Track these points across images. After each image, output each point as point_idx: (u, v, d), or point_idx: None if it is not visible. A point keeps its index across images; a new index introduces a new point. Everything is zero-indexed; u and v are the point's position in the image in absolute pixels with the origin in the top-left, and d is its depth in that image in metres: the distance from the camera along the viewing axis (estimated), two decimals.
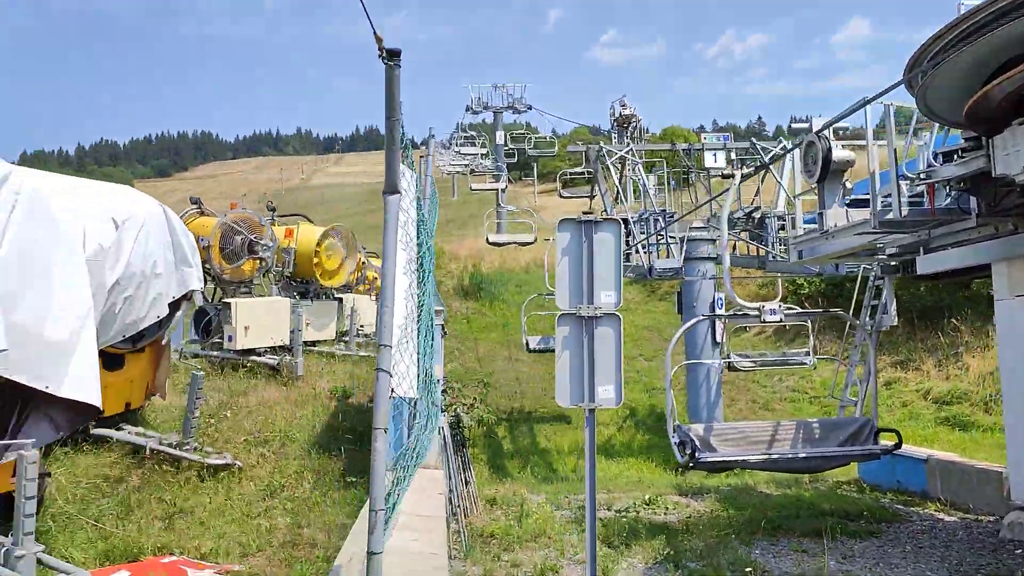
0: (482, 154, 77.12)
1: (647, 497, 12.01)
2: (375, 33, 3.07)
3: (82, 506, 7.44)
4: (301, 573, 5.88)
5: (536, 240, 26.45)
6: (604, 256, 5.85)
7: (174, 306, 8.88)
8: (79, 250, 6.25)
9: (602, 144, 23.47)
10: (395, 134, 3.69)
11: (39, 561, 5.13)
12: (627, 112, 56.90)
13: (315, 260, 16.08)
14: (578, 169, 29.06)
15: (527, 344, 20.72)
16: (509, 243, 26.78)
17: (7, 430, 5.73)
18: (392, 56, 3.30)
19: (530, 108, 77.73)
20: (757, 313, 10.09)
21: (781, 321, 10.12)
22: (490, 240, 25.56)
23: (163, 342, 9.16)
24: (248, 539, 6.72)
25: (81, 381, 5.84)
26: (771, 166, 16.78)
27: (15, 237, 5.45)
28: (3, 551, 5.08)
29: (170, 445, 8.56)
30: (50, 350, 5.60)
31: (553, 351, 21.47)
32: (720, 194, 18.31)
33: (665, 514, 11.28)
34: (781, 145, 19.89)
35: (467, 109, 79.32)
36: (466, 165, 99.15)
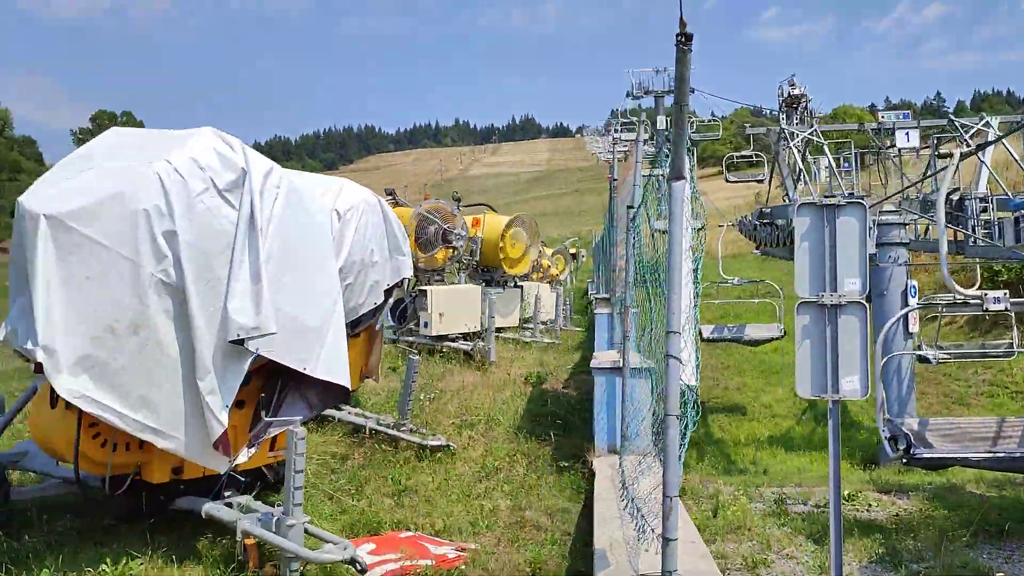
0: (644, 139, 76.17)
1: (846, 493, 11.52)
2: (681, 17, 3.06)
3: (316, 481, 7.93)
4: (536, 555, 6.01)
5: (704, 226, 25.71)
6: (847, 241, 5.63)
7: (387, 293, 9.25)
8: (329, 239, 6.63)
9: (783, 126, 22.68)
10: (683, 118, 3.67)
11: (305, 530, 5.49)
12: (796, 92, 54.58)
13: (500, 248, 16.42)
14: (745, 152, 28.29)
15: (700, 333, 20.36)
16: None
17: (269, 408, 6.16)
18: (688, 40, 3.28)
19: (692, 91, 76.05)
20: (979, 301, 9.47)
21: (1007, 310, 9.46)
22: (656, 227, 25.17)
23: (376, 327, 9.57)
24: (474, 518, 6.93)
25: (333, 363, 6.20)
26: (973, 144, 15.71)
27: (278, 228, 5.84)
28: (275, 520, 5.48)
29: (388, 426, 8.96)
30: (307, 334, 5.97)
31: (726, 340, 20.98)
32: (923, 178, 17.25)
33: (868, 511, 10.80)
34: (984, 121, 18.55)
35: (627, 95, 78.20)
36: (624, 151, 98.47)
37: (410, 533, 6.62)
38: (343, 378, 6.30)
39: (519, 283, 17.90)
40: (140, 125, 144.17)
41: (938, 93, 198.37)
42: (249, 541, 5.64)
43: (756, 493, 11.56)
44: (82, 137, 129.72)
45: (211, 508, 5.89)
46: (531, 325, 17.22)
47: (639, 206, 6.92)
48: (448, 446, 8.81)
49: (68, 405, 5.64)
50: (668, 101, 79.68)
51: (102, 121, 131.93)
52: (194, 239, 5.51)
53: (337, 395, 6.54)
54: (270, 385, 6.15)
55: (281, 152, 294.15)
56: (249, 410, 6.01)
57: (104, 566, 5.66)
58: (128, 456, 5.80)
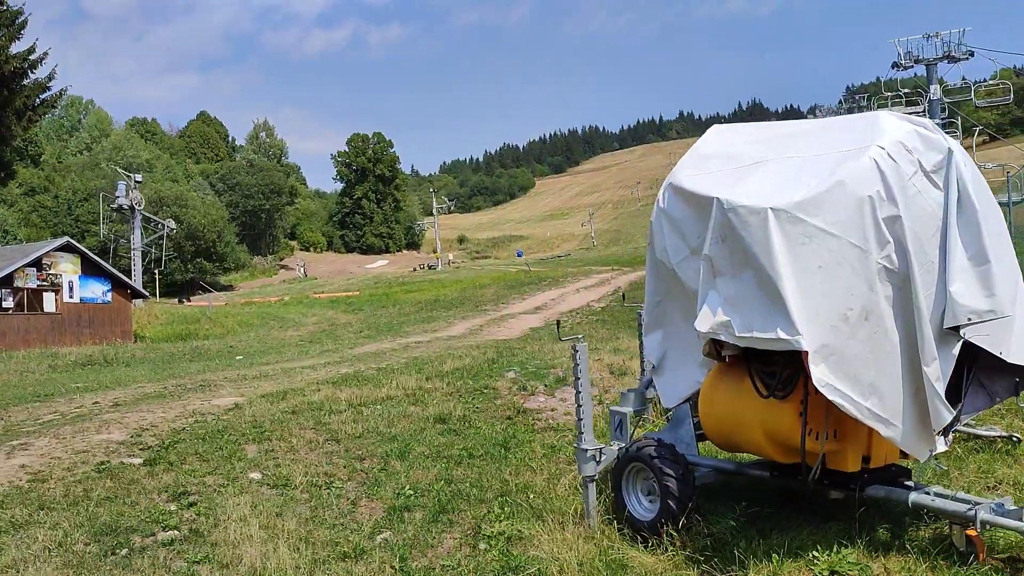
0: (919, 113, 70.78)
1: None
2: None
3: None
4: None
5: None
6: None
7: None
8: (1001, 216, 6.36)
9: None
10: None
11: None
12: None
13: None
14: None
15: None
16: None
17: (962, 396, 5.97)
18: None
19: (971, 55, 69.57)
20: None
21: None
22: None
23: None
24: None
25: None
26: None
27: (974, 204, 5.63)
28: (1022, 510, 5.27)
29: None
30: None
31: None
32: None
33: None
34: None
35: (894, 66, 73.08)
36: None
37: None
38: None
39: None
40: (390, 144, 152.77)
41: None
42: (972, 532, 5.47)
43: None
44: (341, 159, 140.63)
45: (920, 498, 5.78)
46: None
47: None
48: (1011, 437, 8.27)
49: (785, 395, 5.75)
50: (942, 69, 72.83)
51: (356, 143, 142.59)
52: (910, 223, 5.43)
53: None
54: (956, 373, 5.94)
55: (511, 159, 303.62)
56: None
57: (815, 552, 5.71)
58: (827, 444, 5.82)
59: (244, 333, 35.24)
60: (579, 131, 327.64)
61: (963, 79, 65.87)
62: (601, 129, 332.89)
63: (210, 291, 68.17)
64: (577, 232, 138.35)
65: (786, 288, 5.27)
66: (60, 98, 49.29)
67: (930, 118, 68.54)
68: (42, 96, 45.76)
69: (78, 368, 22.86)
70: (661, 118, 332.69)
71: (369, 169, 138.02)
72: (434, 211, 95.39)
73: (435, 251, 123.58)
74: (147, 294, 39.00)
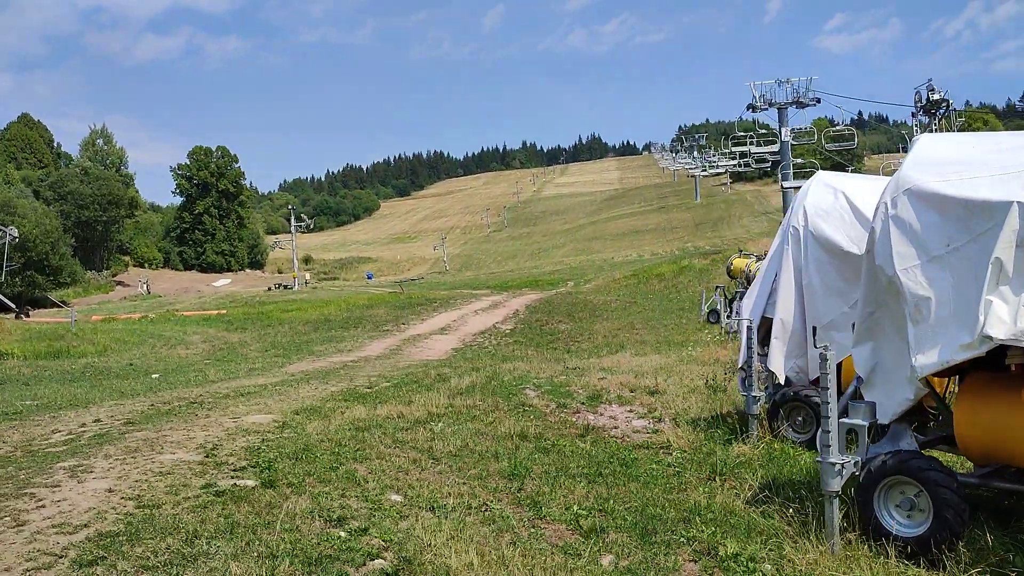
0: (770, 153, 75.67)
1: None
2: None
3: None
4: None
5: None
6: None
7: None
8: None
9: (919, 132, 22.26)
10: None
11: None
12: (936, 97, 54.04)
13: None
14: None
15: None
16: None
17: None
18: None
19: (818, 101, 75.11)
20: None
21: None
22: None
23: None
24: None
25: None
26: None
27: None
28: None
29: None
30: None
31: None
32: None
33: None
34: None
35: (748, 107, 77.85)
36: (731, 166, 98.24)
37: None
38: None
39: None
40: (234, 159, 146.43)
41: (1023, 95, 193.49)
42: None
43: None
44: (181, 172, 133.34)
45: None
46: None
47: None
48: None
49: None
50: (791, 112, 77.77)
51: (198, 156, 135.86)
52: None
53: None
54: None
55: (354, 180, 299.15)
56: None
57: None
58: None
59: (126, 351, 32.30)
60: (424, 155, 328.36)
61: (791, 127, 71.44)
62: (446, 155, 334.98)
63: (59, 306, 62.52)
64: (427, 256, 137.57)
65: None
66: None
67: (783, 158, 73.69)
68: None
69: None
70: (505, 147, 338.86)
71: (212, 184, 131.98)
72: (292, 229, 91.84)
73: (280, 270, 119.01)
74: (14, 307, 35.02)
